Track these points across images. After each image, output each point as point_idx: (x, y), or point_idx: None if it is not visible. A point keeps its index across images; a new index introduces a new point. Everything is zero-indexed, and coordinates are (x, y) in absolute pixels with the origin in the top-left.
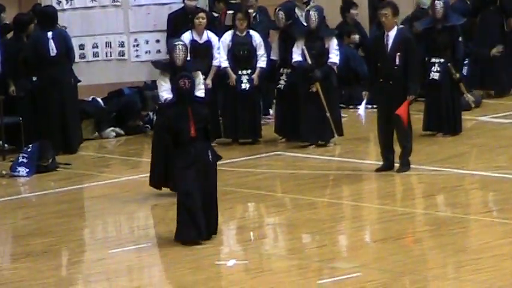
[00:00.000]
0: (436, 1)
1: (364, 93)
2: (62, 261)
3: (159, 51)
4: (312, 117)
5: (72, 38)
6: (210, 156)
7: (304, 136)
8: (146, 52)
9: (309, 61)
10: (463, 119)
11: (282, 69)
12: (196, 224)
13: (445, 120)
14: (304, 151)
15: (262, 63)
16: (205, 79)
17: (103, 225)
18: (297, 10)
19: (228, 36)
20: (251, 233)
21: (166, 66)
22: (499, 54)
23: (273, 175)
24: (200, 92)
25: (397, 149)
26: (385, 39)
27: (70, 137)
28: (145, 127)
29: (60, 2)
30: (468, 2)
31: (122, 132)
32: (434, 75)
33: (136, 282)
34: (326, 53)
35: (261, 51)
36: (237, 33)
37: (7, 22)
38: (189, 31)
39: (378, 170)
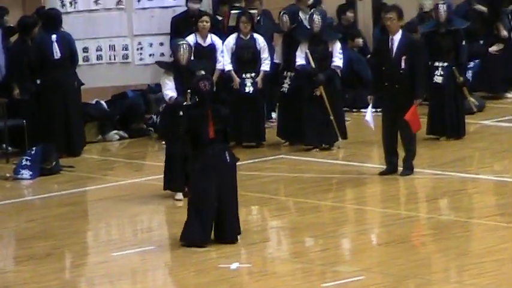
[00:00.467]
0: (439, 5)
1: (369, 97)
2: (65, 264)
3: (162, 54)
4: (315, 120)
5: (75, 41)
6: (228, 158)
7: (307, 139)
8: (150, 55)
9: (313, 64)
10: (466, 122)
11: (285, 73)
12: (204, 228)
13: (448, 124)
14: (307, 154)
15: (266, 66)
16: None
17: (106, 228)
18: (301, 13)
19: (231, 39)
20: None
21: (170, 66)
22: (498, 53)
23: (276, 178)
24: None
25: (401, 153)
26: (390, 43)
27: (73, 139)
28: (149, 130)
29: (64, 4)
30: (474, 6)
31: (126, 135)
32: (438, 79)
33: (139, 285)
34: (330, 56)
35: (264, 54)
36: (241, 36)
37: (11, 25)
38: (193, 34)
39: (381, 173)
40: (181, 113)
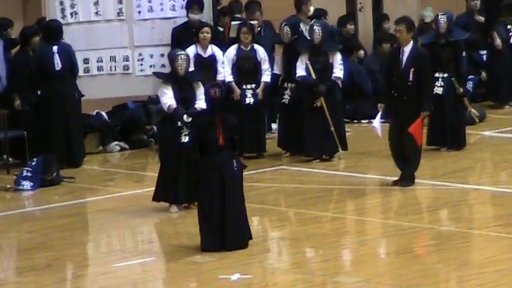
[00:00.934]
0: (439, 16)
1: (379, 105)
2: (66, 275)
3: (163, 65)
4: (316, 131)
5: (76, 52)
6: (235, 166)
7: (308, 150)
8: (151, 66)
9: (313, 76)
10: (467, 133)
11: (286, 84)
12: (210, 234)
13: (449, 135)
14: (308, 165)
15: (266, 77)
16: None
17: (107, 239)
18: (301, 25)
19: (232, 50)
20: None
21: (168, 76)
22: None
23: (277, 189)
24: (201, 103)
25: None
26: (401, 55)
27: (74, 150)
28: (150, 141)
29: (65, 15)
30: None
31: (126, 146)
32: (438, 90)
33: None
34: (330, 67)
35: (265, 65)
36: (242, 47)
37: (13, 37)
38: (194, 45)
39: (395, 182)
40: (179, 124)
